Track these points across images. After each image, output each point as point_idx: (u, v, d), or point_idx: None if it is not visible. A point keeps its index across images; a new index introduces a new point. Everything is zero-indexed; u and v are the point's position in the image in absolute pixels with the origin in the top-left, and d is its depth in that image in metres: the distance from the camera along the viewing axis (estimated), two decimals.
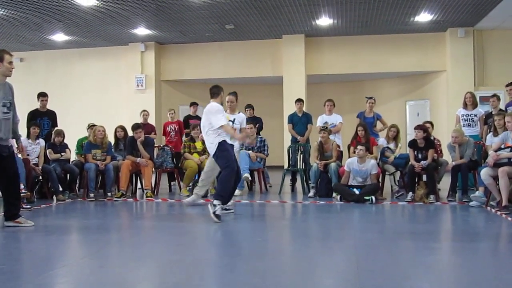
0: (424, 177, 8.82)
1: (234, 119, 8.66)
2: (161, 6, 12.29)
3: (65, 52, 16.82)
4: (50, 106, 10.37)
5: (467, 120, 9.65)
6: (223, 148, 6.83)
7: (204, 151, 9.72)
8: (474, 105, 9.78)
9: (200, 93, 16.69)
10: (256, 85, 17.00)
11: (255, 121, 10.47)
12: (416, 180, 8.91)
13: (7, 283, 3.83)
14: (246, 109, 11.20)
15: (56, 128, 9.94)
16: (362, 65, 15.67)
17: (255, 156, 9.85)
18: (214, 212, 6.43)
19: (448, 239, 6.12)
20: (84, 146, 9.70)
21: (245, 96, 13.16)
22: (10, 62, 6.09)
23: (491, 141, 8.37)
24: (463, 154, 8.60)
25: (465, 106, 9.80)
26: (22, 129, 9.36)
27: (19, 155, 8.53)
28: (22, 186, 7.67)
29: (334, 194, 8.98)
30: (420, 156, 8.75)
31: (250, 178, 9.70)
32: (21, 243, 5.58)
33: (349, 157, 9.28)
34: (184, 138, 10.98)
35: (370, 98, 10.66)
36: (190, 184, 9.65)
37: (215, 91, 7.20)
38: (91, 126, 10.33)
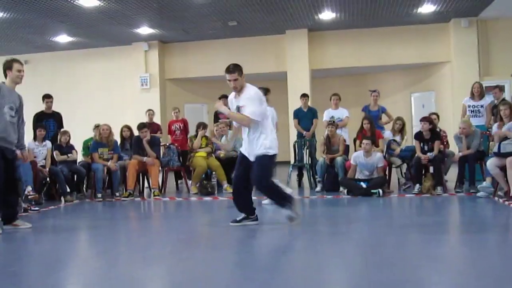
0: (431, 169, 8.80)
1: None
2: (163, 5, 12.29)
3: (69, 54, 16.86)
4: (55, 107, 10.38)
5: (473, 111, 9.60)
6: None
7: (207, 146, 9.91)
8: (481, 96, 9.73)
9: (205, 91, 16.75)
10: (260, 81, 16.77)
11: None
12: (423, 172, 8.89)
13: (18, 285, 3.85)
14: None
15: (61, 129, 9.96)
16: (366, 58, 15.63)
17: None
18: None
19: (456, 230, 6.11)
20: (90, 146, 9.72)
21: None
22: (19, 70, 6.28)
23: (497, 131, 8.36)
24: (470, 144, 8.57)
25: (472, 96, 9.74)
26: (28, 131, 9.42)
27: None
28: (30, 188, 7.72)
29: (341, 188, 8.98)
30: (426, 148, 8.74)
31: None
32: (30, 245, 5.61)
33: (355, 150, 9.27)
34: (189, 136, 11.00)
35: (374, 91, 10.62)
36: (198, 183, 9.65)
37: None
38: (97, 127, 10.34)
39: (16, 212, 6.39)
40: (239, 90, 5.83)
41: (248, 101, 5.75)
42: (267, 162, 5.82)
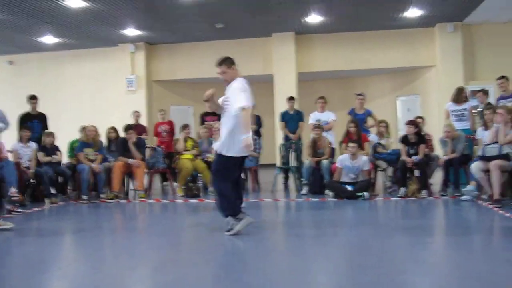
0: (416, 172, 8.85)
1: None
2: (150, 6, 12.25)
3: (55, 54, 16.73)
4: (41, 109, 10.31)
5: (457, 115, 9.65)
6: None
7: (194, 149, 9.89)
8: (466, 100, 9.78)
9: (191, 93, 16.71)
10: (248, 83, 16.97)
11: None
12: (408, 175, 8.94)
13: (1, 286, 3.82)
14: None
15: (45, 130, 9.89)
16: (352, 62, 15.69)
17: None
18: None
19: (441, 233, 6.15)
20: (76, 147, 9.67)
21: None
22: None
23: (482, 135, 8.43)
24: (455, 148, 8.64)
25: (455, 100, 9.74)
26: (13, 132, 9.37)
27: (10, 159, 8.51)
28: (14, 189, 7.64)
29: (327, 191, 9.00)
30: (411, 151, 8.79)
31: (243, 177, 9.66)
32: (14, 247, 5.56)
33: (341, 153, 9.31)
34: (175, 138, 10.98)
35: (360, 94, 10.67)
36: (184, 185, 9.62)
37: None
38: (84, 128, 10.30)
39: None
40: (229, 82, 5.73)
41: (231, 93, 5.62)
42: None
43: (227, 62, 5.73)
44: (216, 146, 5.80)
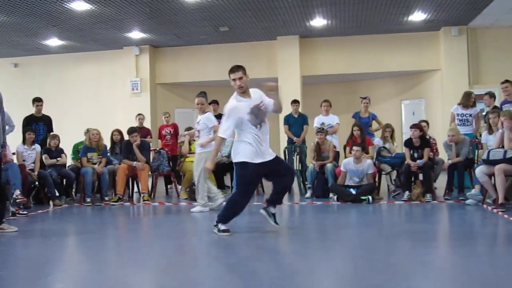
0: (421, 176, 8.83)
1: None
2: (155, 10, 12.27)
3: (60, 57, 16.79)
4: (45, 111, 10.35)
5: (462, 120, 9.65)
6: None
7: None
8: (473, 105, 9.79)
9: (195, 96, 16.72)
10: (251, 87, 16.94)
11: None
12: (413, 179, 8.93)
13: None
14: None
15: (51, 133, 9.91)
16: (357, 65, 15.70)
17: None
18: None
19: (445, 237, 6.13)
20: (80, 151, 9.69)
21: None
22: None
23: (486, 139, 8.41)
24: (460, 152, 8.62)
25: (463, 104, 9.74)
26: (18, 135, 9.39)
27: (15, 161, 8.54)
28: (18, 192, 7.66)
29: (331, 195, 8.99)
30: (416, 155, 8.77)
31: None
32: (18, 249, 5.57)
33: (345, 157, 9.30)
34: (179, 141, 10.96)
35: (365, 98, 10.67)
36: (188, 188, 9.62)
37: None
38: (88, 131, 10.32)
39: (2, 216, 6.30)
40: (244, 90, 5.75)
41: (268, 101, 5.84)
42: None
43: (243, 69, 5.80)
44: (263, 155, 5.70)
